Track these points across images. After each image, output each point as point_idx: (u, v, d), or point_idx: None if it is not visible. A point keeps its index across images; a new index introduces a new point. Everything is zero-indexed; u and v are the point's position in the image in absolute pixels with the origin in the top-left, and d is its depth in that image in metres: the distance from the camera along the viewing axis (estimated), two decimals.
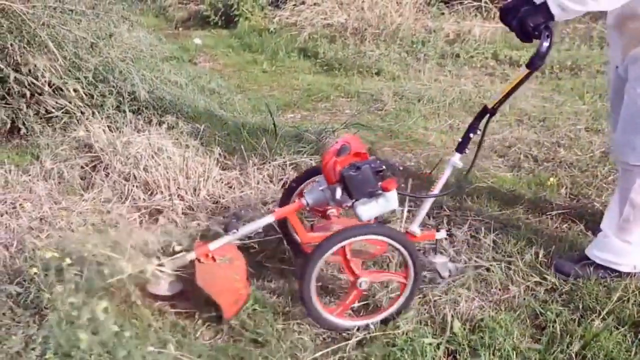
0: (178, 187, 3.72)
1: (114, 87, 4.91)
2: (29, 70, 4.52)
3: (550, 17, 2.53)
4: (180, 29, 10.17)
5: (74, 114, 4.62)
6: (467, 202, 3.87)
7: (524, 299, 2.96)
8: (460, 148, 2.88)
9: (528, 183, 4.19)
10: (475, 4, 8.98)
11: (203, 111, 5.48)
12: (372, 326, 2.73)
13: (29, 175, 3.97)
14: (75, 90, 4.61)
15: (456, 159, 2.87)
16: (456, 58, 7.50)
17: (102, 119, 4.50)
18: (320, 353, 2.61)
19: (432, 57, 7.46)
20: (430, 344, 2.59)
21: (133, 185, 3.77)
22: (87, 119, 4.48)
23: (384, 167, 2.72)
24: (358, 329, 2.75)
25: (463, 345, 2.62)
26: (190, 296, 2.92)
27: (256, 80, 7.18)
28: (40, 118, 4.65)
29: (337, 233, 2.67)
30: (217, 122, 5.22)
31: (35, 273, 2.74)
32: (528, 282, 3.07)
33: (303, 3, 9.24)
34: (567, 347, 2.60)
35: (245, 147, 4.28)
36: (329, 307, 2.81)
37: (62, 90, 4.65)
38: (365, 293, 2.86)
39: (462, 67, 7.21)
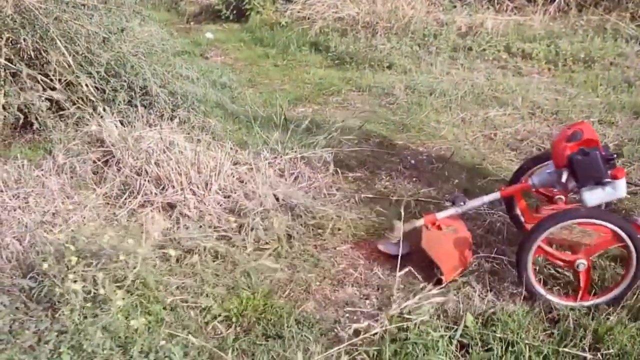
0: (190, 182, 3.72)
1: (125, 81, 4.92)
2: (42, 65, 4.53)
3: None
4: (192, 23, 10.18)
5: (86, 108, 4.63)
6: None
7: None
8: None
9: None
10: None
11: (215, 105, 5.49)
12: (385, 321, 2.72)
13: (42, 170, 3.99)
14: (87, 85, 4.63)
15: None
16: (468, 51, 7.45)
17: (113, 113, 4.51)
18: (333, 350, 2.61)
19: (444, 50, 7.42)
20: (442, 337, 2.59)
21: (145, 180, 3.77)
22: (99, 114, 4.48)
23: (615, 155, 2.78)
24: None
25: (476, 339, 2.61)
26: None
27: (267, 74, 7.18)
28: (53, 113, 4.66)
29: (561, 212, 2.82)
30: (228, 117, 5.22)
31: (49, 266, 2.75)
32: (542, 274, 3.05)
33: None
34: (580, 340, 2.59)
35: (257, 141, 4.27)
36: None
37: (74, 85, 4.67)
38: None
39: (475, 60, 7.17)
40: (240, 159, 4.11)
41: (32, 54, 4.47)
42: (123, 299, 2.75)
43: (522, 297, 2.86)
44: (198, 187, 3.71)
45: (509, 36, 7.67)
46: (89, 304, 2.67)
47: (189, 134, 4.34)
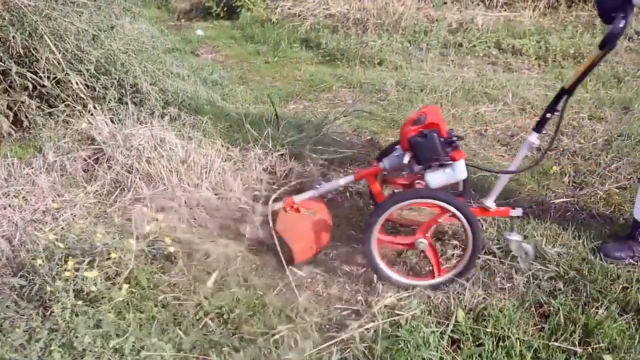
0: (180, 179, 3.72)
1: (116, 79, 4.90)
2: (31, 63, 4.51)
3: None
4: (183, 20, 10.16)
5: (76, 106, 4.62)
6: (471, 191, 3.87)
7: (528, 287, 2.95)
8: (538, 127, 2.93)
9: (531, 171, 4.18)
10: None
11: (205, 103, 5.47)
12: (378, 316, 2.73)
13: (32, 168, 3.98)
14: (77, 83, 4.61)
15: (533, 138, 2.92)
16: (459, 47, 7.46)
17: (104, 111, 4.50)
18: (324, 345, 2.62)
19: (434, 46, 7.43)
20: (433, 333, 2.60)
21: (135, 177, 3.77)
22: (89, 111, 4.47)
23: (455, 138, 2.87)
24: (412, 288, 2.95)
25: (467, 334, 2.62)
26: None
27: (258, 71, 7.17)
28: (43, 111, 4.64)
29: (398, 194, 2.95)
30: (219, 114, 5.21)
31: (39, 265, 2.75)
32: (533, 270, 3.06)
33: None
34: (571, 335, 2.60)
35: (248, 138, 4.27)
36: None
37: (64, 82, 4.65)
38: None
39: (465, 57, 7.18)
40: (231, 156, 4.11)
41: (22, 51, 4.44)
42: (114, 297, 2.74)
43: (509, 292, 2.88)
44: (188, 184, 3.70)
45: (499, 32, 7.69)
46: (80, 302, 2.66)
47: (179, 131, 4.33)
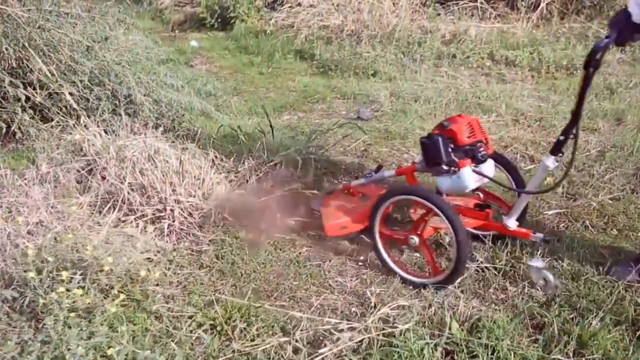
0: (174, 190, 3.71)
1: (109, 90, 4.90)
2: (25, 74, 4.51)
3: (627, 15, 2.55)
4: (177, 31, 10.17)
5: (69, 117, 4.61)
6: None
7: (522, 299, 2.95)
8: (554, 151, 2.87)
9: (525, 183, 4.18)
10: (471, 4, 8.97)
11: (199, 114, 5.47)
12: (371, 328, 2.72)
13: (25, 179, 3.96)
14: (70, 94, 4.60)
15: (549, 162, 2.88)
16: (452, 58, 7.49)
17: (97, 122, 4.49)
18: (316, 354, 2.61)
19: (428, 57, 7.46)
20: (427, 344, 2.59)
21: (129, 189, 3.75)
22: (82, 122, 4.46)
23: (467, 147, 2.94)
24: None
25: (461, 345, 2.61)
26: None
27: (252, 82, 7.18)
28: (36, 122, 4.63)
29: (387, 191, 3.18)
30: (213, 125, 5.21)
31: (31, 277, 2.73)
32: (526, 281, 3.06)
33: (299, 5, 9.24)
34: (565, 346, 2.60)
35: (242, 149, 4.27)
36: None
37: (57, 94, 4.65)
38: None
39: (459, 68, 7.21)
40: (225, 167, 4.11)
41: (15, 63, 4.44)
42: (107, 309, 2.73)
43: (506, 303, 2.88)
44: (182, 195, 3.70)
45: (493, 43, 7.72)
46: (72, 314, 2.64)
47: (173, 142, 4.32)
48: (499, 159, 3.27)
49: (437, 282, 3.01)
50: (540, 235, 3.03)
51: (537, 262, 3.00)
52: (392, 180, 3.80)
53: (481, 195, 3.38)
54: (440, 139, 2.92)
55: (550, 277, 2.95)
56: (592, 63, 2.64)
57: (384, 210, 3.17)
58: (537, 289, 3.01)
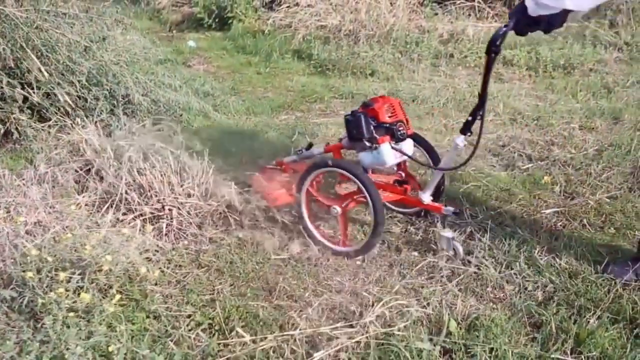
0: (172, 189, 3.71)
1: (107, 90, 4.91)
2: (22, 75, 4.50)
3: (524, 8, 2.66)
4: (174, 31, 10.17)
5: (67, 117, 4.61)
6: (463, 200, 3.89)
7: (520, 297, 2.95)
8: (464, 131, 3.08)
9: (522, 182, 4.19)
10: (468, 4, 8.99)
11: (197, 113, 5.48)
12: (369, 325, 2.73)
13: (23, 179, 3.95)
14: (68, 94, 4.60)
15: (459, 140, 3.09)
16: (450, 58, 7.51)
17: (95, 122, 4.49)
18: (316, 357, 2.61)
19: (425, 57, 7.47)
20: (425, 344, 2.59)
21: (127, 188, 3.75)
22: (80, 122, 4.46)
23: (389, 125, 3.17)
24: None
25: (459, 344, 2.62)
26: None
27: (250, 82, 7.19)
28: (34, 122, 4.63)
29: (314, 163, 3.36)
30: (211, 124, 5.21)
31: (30, 277, 2.73)
32: (524, 280, 3.07)
33: (297, 5, 9.24)
34: (563, 344, 2.60)
35: (240, 148, 4.27)
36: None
37: (55, 94, 4.64)
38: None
39: (456, 67, 7.22)
40: (224, 167, 4.11)
41: (12, 63, 4.44)
42: (106, 308, 2.73)
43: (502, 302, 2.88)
44: (180, 195, 3.69)
45: None
46: (71, 314, 2.65)
47: (171, 142, 4.31)
48: (418, 140, 3.51)
49: (357, 251, 3.31)
50: (451, 208, 3.25)
51: (447, 233, 3.26)
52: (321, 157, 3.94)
53: (403, 174, 3.61)
54: (362, 116, 3.16)
55: (459, 247, 3.22)
56: (492, 49, 2.79)
57: (313, 182, 3.41)
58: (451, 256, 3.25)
